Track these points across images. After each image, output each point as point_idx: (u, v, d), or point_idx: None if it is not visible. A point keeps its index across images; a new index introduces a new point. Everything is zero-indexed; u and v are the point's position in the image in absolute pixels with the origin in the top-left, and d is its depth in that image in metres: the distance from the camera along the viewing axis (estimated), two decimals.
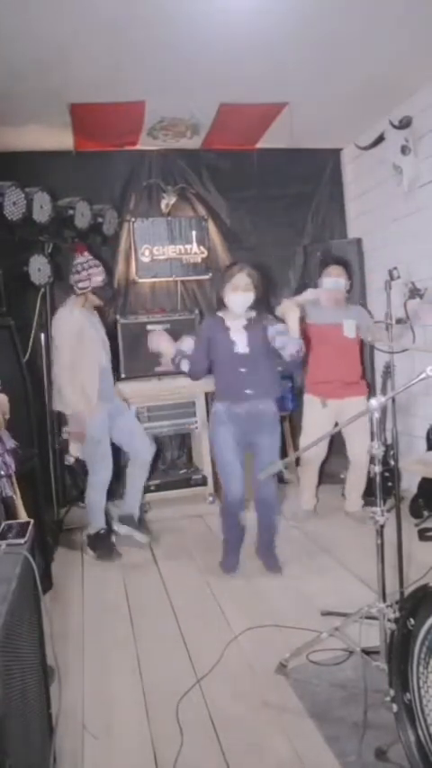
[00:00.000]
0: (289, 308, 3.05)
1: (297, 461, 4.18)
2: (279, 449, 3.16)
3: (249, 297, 3.04)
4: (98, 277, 3.50)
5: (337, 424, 3.77)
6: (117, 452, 3.76)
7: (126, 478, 3.77)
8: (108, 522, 3.68)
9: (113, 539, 3.62)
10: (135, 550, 3.65)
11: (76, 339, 3.42)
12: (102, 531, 3.61)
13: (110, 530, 3.67)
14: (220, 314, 3.16)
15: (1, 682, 1.23)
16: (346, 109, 4.11)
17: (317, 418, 3.80)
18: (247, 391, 3.03)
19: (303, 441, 3.91)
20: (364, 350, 4.13)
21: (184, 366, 3.10)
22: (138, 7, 2.72)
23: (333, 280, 3.76)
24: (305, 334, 3.84)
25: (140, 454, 3.71)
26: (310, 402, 3.88)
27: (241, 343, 3.03)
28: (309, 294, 3.79)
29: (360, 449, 3.68)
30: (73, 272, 3.55)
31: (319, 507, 4.10)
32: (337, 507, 4.10)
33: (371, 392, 4.01)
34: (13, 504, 2.21)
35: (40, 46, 2.98)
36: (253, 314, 3.10)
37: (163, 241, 4.74)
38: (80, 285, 3.50)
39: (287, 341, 2.97)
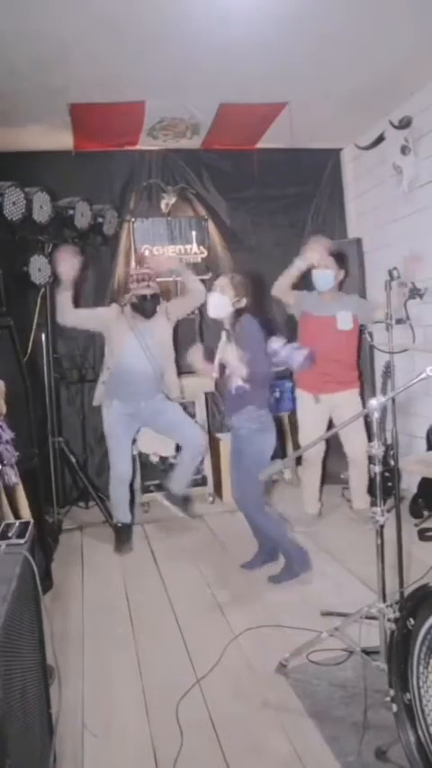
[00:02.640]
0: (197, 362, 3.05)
1: (298, 461, 4.17)
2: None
3: (222, 299, 2.92)
4: (138, 291, 3.60)
5: (331, 420, 3.80)
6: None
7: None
8: (132, 513, 3.88)
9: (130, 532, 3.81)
10: (135, 551, 3.66)
11: (105, 331, 3.72)
12: (119, 525, 3.76)
13: (129, 524, 3.81)
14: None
15: (1, 682, 1.23)
16: (346, 109, 4.11)
17: (312, 413, 3.78)
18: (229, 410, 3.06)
19: (301, 438, 3.91)
20: (362, 345, 4.08)
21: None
22: (138, 7, 2.72)
23: (320, 272, 3.64)
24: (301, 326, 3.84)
25: (189, 444, 3.82)
26: (303, 398, 3.86)
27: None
28: (291, 271, 3.66)
29: (358, 446, 3.68)
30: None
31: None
32: (336, 507, 4.10)
33: (363, 387, 3.97)
34: (14, 493, 2.21)
35: (40, 46, 2.98)
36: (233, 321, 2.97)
37: (163, 241, 4.74)
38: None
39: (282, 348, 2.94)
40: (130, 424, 3.75)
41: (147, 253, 4.67)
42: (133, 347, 3.60)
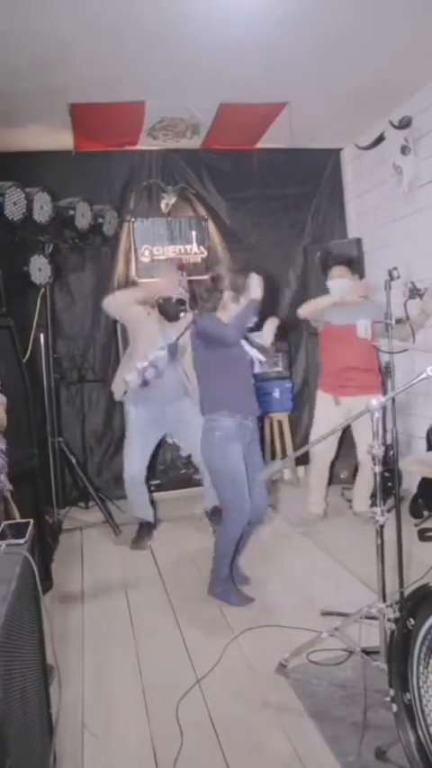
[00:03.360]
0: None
1: (298, 461, 4.17)
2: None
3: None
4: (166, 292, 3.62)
5: (349, 424, 3.79)
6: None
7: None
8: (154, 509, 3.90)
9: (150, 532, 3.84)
10: (135, 551, 3.66)
11: (134, 326, 3.67)
12: (143, 522, 3.81)
13: (149, 523, 3.85)
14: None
15: (1, 682, 1.23)
16: (346, 109, 4.11)
17: (329, 415, 3.72)
18: (256, 405, 2.90)
19: (313, 437, 3.89)
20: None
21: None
22: (138, 7, 2.72)
23: (336, 284, 3.66)
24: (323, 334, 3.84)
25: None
26: (323, 399, 3.82)
27: (255, 356, 2.90)
28: (325, 300, 3.69)
29: (365, 446, 3.67)
30: None
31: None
32: (337, 507, 4.10)
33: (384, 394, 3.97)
34: (9, 500, 2.21)
35: (40, 46, 2.98)
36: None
37: (163, 241, 4.74)
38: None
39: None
40: (154, 429, 3.73)
41: (147, 253, 4.67)
42: (158, 349, 3.58)
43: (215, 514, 3.74)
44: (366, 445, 3.61)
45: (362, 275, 3.87)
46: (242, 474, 2.77)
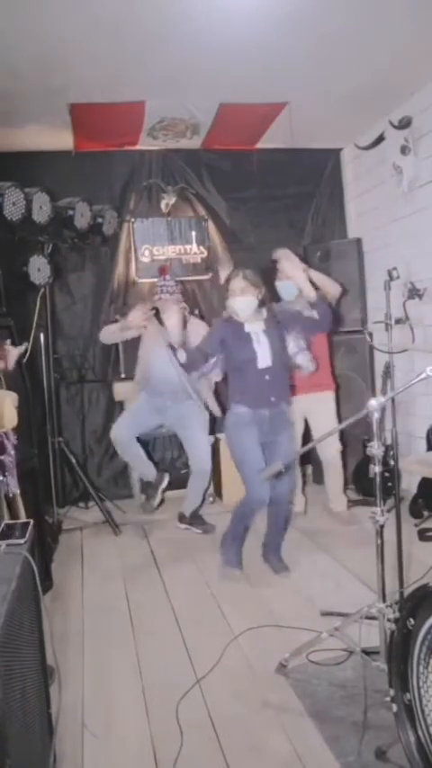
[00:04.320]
0: (291, 267, 3.01)
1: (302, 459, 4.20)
2: (293, 441, 3.21)
3: (249, 300, 2.96)
4: (156, 303, 3.74)
5: (306, 420, 3.86)
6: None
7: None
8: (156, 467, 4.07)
9: (159, 488, 4.02)
10: (135, 551, 3.66)
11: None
12: (144, 480, 4.07)
13: (152, 482, 4.01)
14: (238, 319, 3.04)
15: (1, 682, 1.23)
16: (346, 109, 4.11)
17: None
18: (272, 398, 3.00)
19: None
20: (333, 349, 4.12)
21: (181, 356, 3.01)
22: (138, 7, 2.72)
23: (281, 286, 3.62)
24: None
25: (196, 465, 3.93)
26: None
27: (264, 356, 2.96)
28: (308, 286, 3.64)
29: (329, 446, 3.76)
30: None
31: (317, 507, 4.10)
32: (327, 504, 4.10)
33: (338, 390, 4.01)
34: (14, 503, 2.22)
35: (40, 46, 2.98)
36: (266, 314, 3.03)
37: (163, 241, 4.74)
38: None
39: (299, 353, 3.05)
40: (152, 413, 3.90)
41: (147, 253, 4.67)
42: (159, 352, 3.66)
43: (195, 518, 3.96)
44: (324, 444, 3.67)
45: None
46: (253, 457, 2.99)
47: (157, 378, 3.78)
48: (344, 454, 3.96)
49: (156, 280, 4.33)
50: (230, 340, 3.00)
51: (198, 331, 3.61)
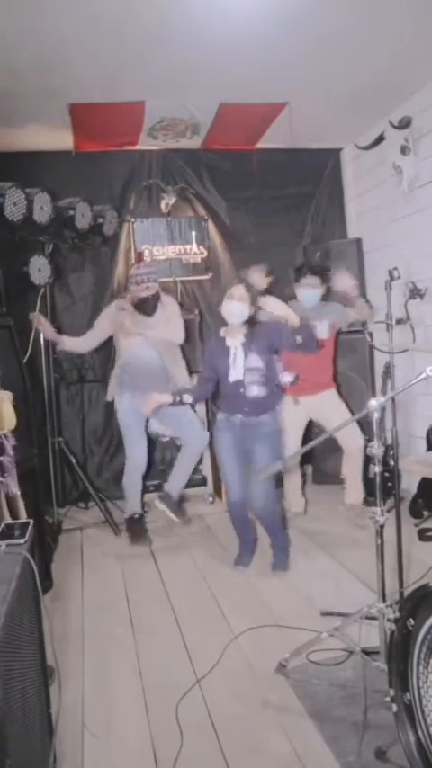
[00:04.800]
0: (273, 303, 3.03)
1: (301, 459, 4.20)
2: (276, 455, 3.09)
3: (243, 307, 2.98)
4: (138, 294, 3.65)
5: (310, 421, 3.91)
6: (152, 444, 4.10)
7: (175, 461, 4.01)
8: (143, 507, 3.96)
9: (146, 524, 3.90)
10: (135, 551, 3.66)
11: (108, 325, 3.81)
12: (135, 516, 3.84)
13: (142, 515, 3.89)
14: (222, 331, 3.12)
15: (1, 682, 1.23)
16: (346, 109, 4.11)
17: (290, 416, 3.77)
18: (246, 409, 3.08)
19: (285, 437, 3.97)
20: (338, 351, 4.11)
21: (187, 400, 3.20)
22: (138, 7, 2.72)
23: (304, 292, 3.72)
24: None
25: (189, 442, 3.90)
26: (285, 400, 3.86)
27: (237, 369, 3.03)
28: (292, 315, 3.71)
29: (348, 436, 3.72)
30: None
31: (319, 507, 4.10)
32: (333, 506, 4.09)
33: (340, 389, 4.02)
34: (14, 503, 2.22)
35: (40, 46, 2.98)
36: (249, 329, 3.05)
37: (163, 241, 4.74)
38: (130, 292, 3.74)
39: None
40: (137, 415, 3.79)
41: (147, 253, 4.68)
42: (137, 342, 3.68)
43: (178, 504, 3.89)
44: (348, 436, 3.69)
45: (329, 288, 3.89)
46: (226, 460, 3.20)
47: (137, 368, 3.70)
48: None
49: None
50: (217, 359, 3.11)
51: (173, 309, 3.73)
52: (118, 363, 3.85)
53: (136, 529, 3.80)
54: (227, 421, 3.16)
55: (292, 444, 3.69)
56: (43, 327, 3.73)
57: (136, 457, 3.84)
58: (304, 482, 4.26)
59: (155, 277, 3.70)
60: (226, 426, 3.16)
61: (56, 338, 3.81)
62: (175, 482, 3.88)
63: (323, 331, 3.72)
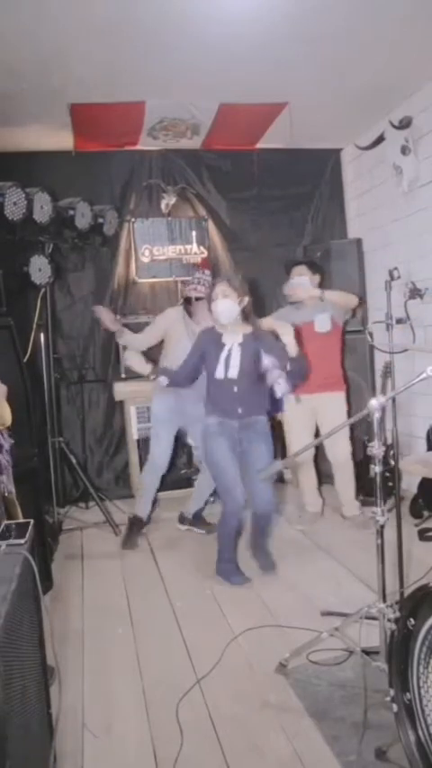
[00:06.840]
0: (282, 328, 3.02)
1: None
2: (271, 454, 3.14)
3: (229, 304, 2.95)
4: (186, 293, 3.72)
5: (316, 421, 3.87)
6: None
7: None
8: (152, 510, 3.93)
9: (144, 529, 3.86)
10: (135, 551, 3.67)
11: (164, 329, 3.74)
12: (135, 517, 3.81)
13: (142, 519, 3.83)
14: (218, 326, 3.09)
15: (1, 682, 1.23)
16: (346, 109, 4.11)
17: (293, 413, 3.81)
18: (239, 410, 3.05)
19: (288, 438, 4.00)
20: (344, 348, 4.07)
21: (163, 381, 3.16)
22: (137, 8, 2.72)
23: (295, 281, 3.74)
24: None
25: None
26: (287, 398, 3.85)
27: (233, 366, 2.99)
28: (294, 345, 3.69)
29: (339, 449, 3.73)
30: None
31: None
32: (336, 507, 4.09)
33: (349, 391, 4.00)
34: (12, 501, 2.21)
35: (40, 46, 2.98)
36: (249, 329, 3.05)
37: (163, 241, 4.74)
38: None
39: (279, 379, 2.92)
40: (175, 418, 3.77)
41: (147, 253, 4.68)
42: (184, 348, 3.50)
43: (197, 519, 3.93)
44: (334, 445, 3.68)
45: (322, 278, 3.89)
46: (226, 466, 3.04)
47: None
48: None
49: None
50: (208, 350, 3.06)
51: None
52: (165, 364, 3.61)
53: (134, 530, 3.76)
54: (221, 425, 3.08)
55: (303, 443, 3.63)
56: (104, 317, 3.68)
57: (157, 456, 3.78)
58: (320, 482, 4.20)
59: (207, 282, 3.60)
60: (220, 431, 3.07)
61: (117, 329, 3.70)
62: (194, 504, 3.91)
63: (323, 324, 3.72)
